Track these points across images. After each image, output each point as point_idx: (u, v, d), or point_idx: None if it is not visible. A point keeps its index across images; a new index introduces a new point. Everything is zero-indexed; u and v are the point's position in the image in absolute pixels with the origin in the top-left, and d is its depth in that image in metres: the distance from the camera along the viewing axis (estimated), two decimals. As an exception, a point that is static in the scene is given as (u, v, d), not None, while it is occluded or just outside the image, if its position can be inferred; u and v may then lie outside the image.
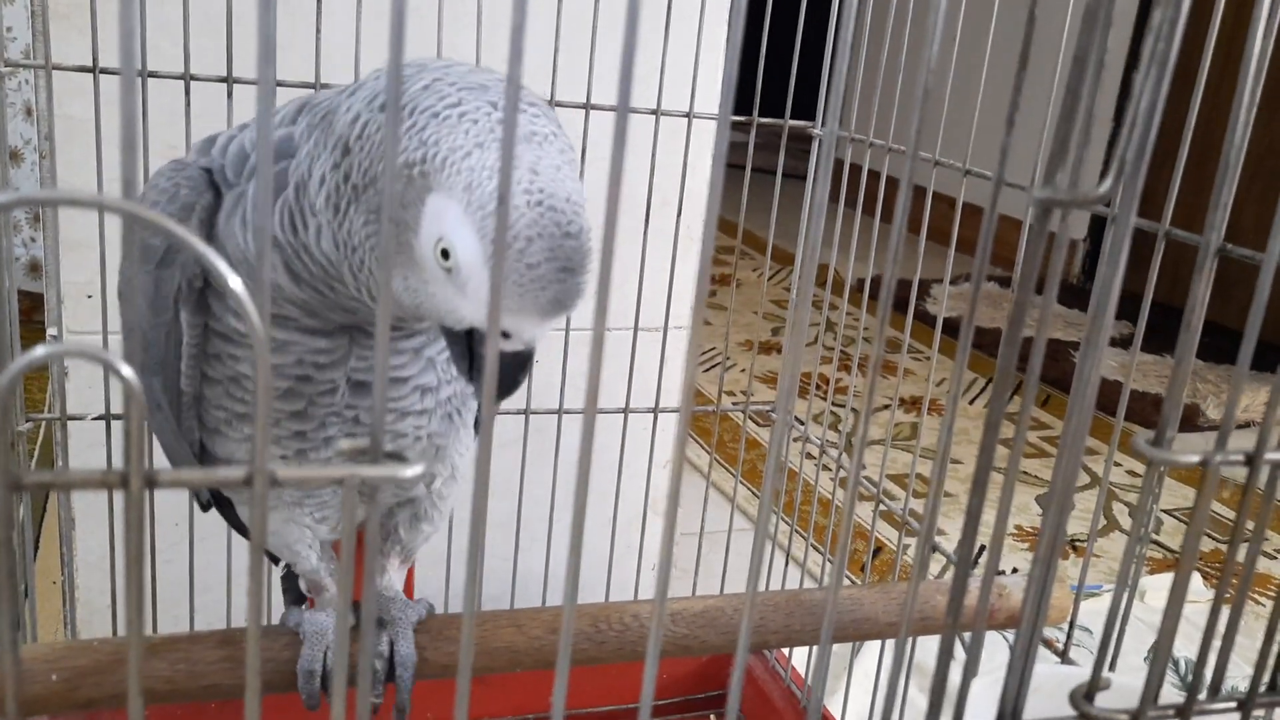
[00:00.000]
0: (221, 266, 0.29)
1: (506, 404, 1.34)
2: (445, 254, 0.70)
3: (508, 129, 0.35)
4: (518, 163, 0.68)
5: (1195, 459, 0.59)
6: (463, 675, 0.44)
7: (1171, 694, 0.65)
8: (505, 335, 0.74)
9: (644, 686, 0.48)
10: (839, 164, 1.39)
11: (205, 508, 1.09)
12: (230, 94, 1.18)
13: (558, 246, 0.69)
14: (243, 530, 1.13)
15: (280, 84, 1.21)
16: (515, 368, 0.76)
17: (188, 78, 1.16)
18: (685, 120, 1.39)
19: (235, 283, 0.30)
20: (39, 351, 0.28)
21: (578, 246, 0.70)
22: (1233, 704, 0.69)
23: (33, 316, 2.36)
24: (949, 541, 2.18)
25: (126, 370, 0.28)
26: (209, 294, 0.86)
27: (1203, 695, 0.68)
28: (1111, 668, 0.71)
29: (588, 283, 0.71)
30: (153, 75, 1.16)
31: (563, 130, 0.74)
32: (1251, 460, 0.60)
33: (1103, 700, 0.66)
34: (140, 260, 0.82)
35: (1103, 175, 0.50)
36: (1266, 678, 0.68)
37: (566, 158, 0.72)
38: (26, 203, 0.29)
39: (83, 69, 1.18)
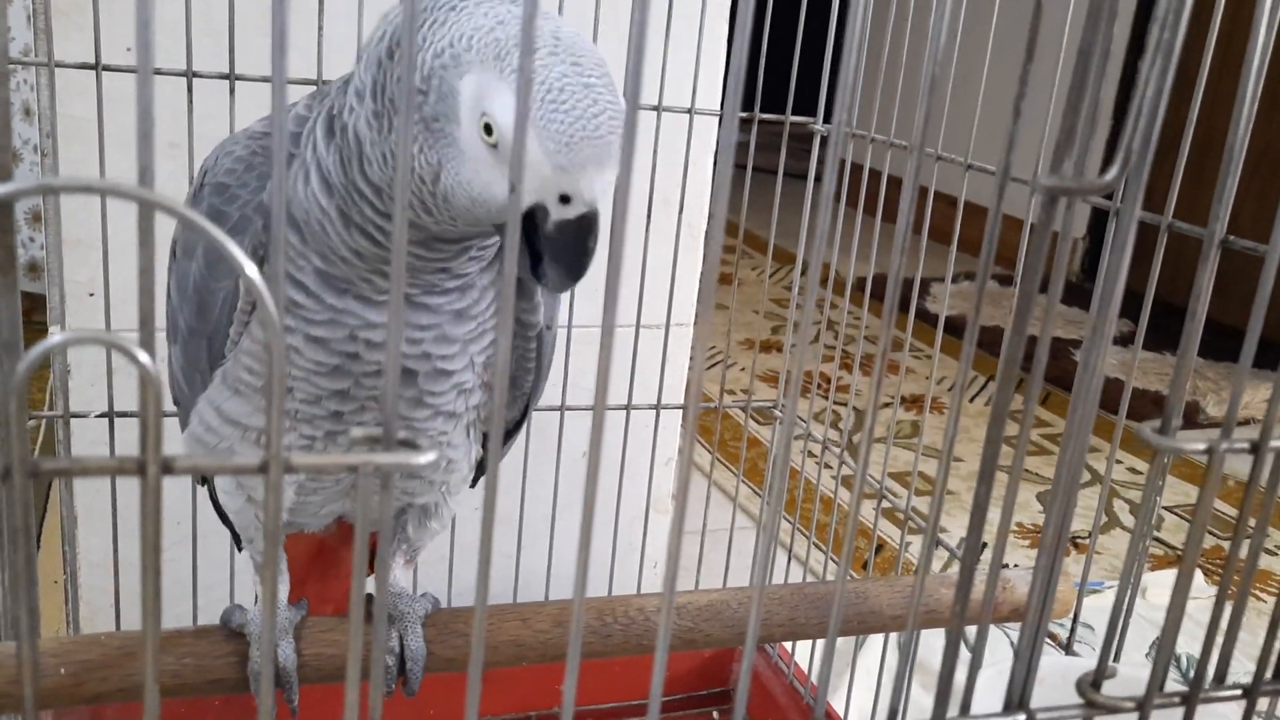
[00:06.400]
0: (236, 252, 0.29)
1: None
2: (489, 129, 0.70)
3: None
4: (539, 30, 0.69)
5: (1201, 446, 0.60)
6: (474, 668, 0.44)
7: (1173, 688, 0.66)
8: (565, 200, 0.72)
9: (654, 677, 0.48)
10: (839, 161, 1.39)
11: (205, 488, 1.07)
12: (232, 91, 1.17)
13: (591, 93, 0.70)
14: (223, 517, 1.07)
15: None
16: (582, 233, 0.73)
17: (190, 75, 1.16)
18: (686, 116, 1.39)
19: (251, 270, 0.30)
20: (56, 339, 0.29)
21: (612, 98, 0.71)
22: (1237, 692, 0.69)
23: (32, 317, 2.35)
24: (949, 538, 2.19)
25: (143, 356, 0.28)
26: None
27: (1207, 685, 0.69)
28: (1114, 661, 0.72)
29: (619, 138, 0.71)
30: (156, 72, 1.16)
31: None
32: (1256, 448, 0.60)
33: (1107, 691, 0.67)
34: (213, 219, 0.83)
35: (1106, 165, 0.50)
36: (1271, 667, 0.68)
37: (586, 39, 0.73)
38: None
39: (85, 66, 1.18)
